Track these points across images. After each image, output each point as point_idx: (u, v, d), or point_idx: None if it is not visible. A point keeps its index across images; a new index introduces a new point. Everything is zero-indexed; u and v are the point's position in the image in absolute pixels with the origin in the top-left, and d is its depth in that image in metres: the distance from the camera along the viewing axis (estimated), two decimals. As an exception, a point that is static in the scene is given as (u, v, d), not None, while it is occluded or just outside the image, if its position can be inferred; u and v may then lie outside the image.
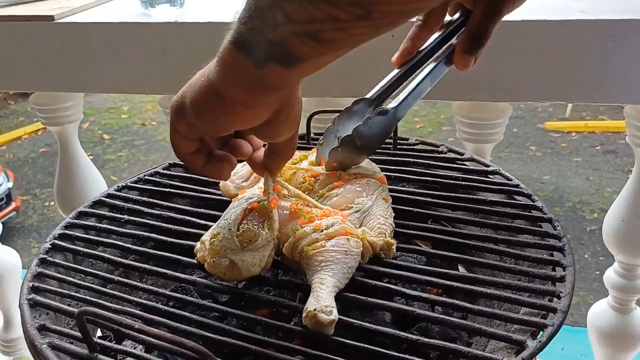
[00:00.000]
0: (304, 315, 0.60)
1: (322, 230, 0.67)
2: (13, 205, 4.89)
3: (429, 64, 0.75)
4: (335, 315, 0.60)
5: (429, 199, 0.82)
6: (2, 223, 1.59)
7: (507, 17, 1.00)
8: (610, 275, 1.28)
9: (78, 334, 0.60)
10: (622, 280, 1.25)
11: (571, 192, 5.05)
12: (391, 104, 0.75)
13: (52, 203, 5.53)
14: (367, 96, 0.77)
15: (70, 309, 0.64)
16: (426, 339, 0.59)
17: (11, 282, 1.61)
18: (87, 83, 1.20)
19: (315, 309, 0.59)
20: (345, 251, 0.66)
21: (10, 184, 5.01)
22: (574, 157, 5.79)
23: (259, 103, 0.55)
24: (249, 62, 0.51)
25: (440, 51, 0.75)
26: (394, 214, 0.76)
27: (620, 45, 0.96)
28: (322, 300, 0.60)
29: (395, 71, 0.77)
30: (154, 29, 1.12)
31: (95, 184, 1.41)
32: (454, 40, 0.75)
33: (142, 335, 0.56)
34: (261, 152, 0.68)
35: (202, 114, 0.56)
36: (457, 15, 0.76)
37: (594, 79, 1.00)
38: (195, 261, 0.71)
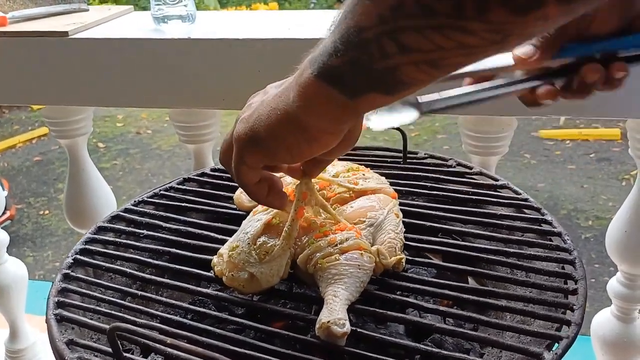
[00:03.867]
0: (317, 326, 0.62)
1: (336, 245, 0.69)
2: (7, 214, 4.88)
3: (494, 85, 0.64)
4: (347, 327, 0.62)
5: (439, 213, 0.84)
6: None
7: None
8: (614, 284, 1.30)
9: (105, 347, 0.62)
10: (625, 290, 1.27)
11: (566, 200, 5.08)
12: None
13: (47, 212, 5.52)
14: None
15: (96, 323, 0.66)
16: (441, 350, 0.61)
17: (18, 293, 1.61)
18: (100, 97, 1.21)
19: (328, 321, 0.61)
20: (359, 265, 0.68)
21: (4, 193, 5.00)
22: (568, 165, 5.83)
23: (343, 129, 0.56)
24: (340, 93, 0.51)
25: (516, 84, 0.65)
26: (404, 230, 0.78)
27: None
28: (335, 313, 0.62)
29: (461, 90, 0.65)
30: (166, 45, 1.14)
31: (104, 196, 1.42)
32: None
33: (170, 350, 0.58)
34: None
35: (283, 146, 0.57)
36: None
37: (598, 94, 1.03)
38: (211, 274, 0.73)
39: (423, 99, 0.60)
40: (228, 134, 0.63)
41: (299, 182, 0.72)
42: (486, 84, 0.63)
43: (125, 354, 0.60)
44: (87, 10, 1.31)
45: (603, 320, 1.33)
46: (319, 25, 1.15)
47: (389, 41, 0.47)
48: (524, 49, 0.63)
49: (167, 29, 1.19)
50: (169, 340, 0.54)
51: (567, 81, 0.64)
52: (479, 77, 0.65)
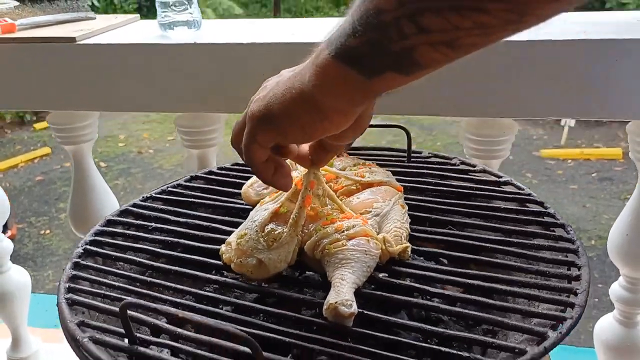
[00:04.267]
0: (324, 307, 0.63)
1: (343, 231, 0.71)
2: (9, 233, 4.88)
3: None
4: (354, 308, 0.63)
5: (444, 207, 0.85)
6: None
7: (514, 38, 1.05)
8: (616, 289, 1.30)
9: (116, 328, 0.63)
10: (627, 294, 1.27)
11: (568, 220, 4.98)
12: None
13: (48, 231, 5.53)
14: None
15: (107, 306, 0.67)
16: (451, 332, 0.62)
17: (20, 301, 1.62)
18: (107, 102, 1.23)
19: (336, 302, 0.62)
20: (365, 251, 0.69)
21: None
22: (570, 185, 5.84)
23: (357, 111, 0.58)
24: (358, 73, 0.53)
25: None
26: (410, 220, 0.79)
27: (623, 63, 1.01)
28: (342, 295, 0.63)
29: None
30: (172, 50, 1.17)
31: (109, 202, 1.44)
32: None
33: (179, 330, 0.59)
34: (305, 147, 0.71)
35: (297, 124, 0.59)
36: None
37: (598, 96, 1.05)
38: (220, 263, 0.74)
39: None
40: (241, 117, 0.64)
41: (307, 171, 0.74)
42: None
43: (136, 334, 0.61)
44: (94, 18, 1.34)
45: (606, 325, 1.33)
46: (322, 31, 1.17)
47: (408, 23, 0.48)
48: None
49: (174, 35, 1.21)
50: (180, 313, 0.55)
51: None
52: None
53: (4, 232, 4.38)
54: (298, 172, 0.80)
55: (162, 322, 0.61)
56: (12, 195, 6.05)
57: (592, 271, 4.03)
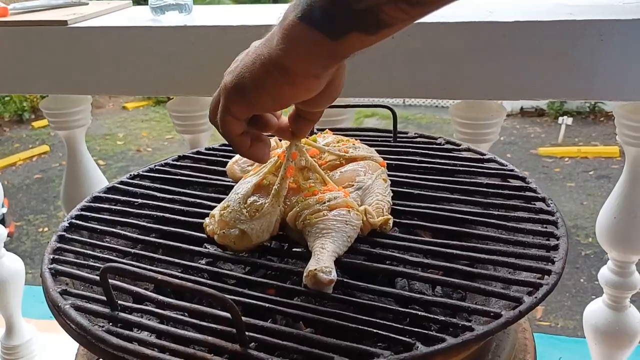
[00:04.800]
0: (304, 275, 0.64)
1: (324, 202, 0.72)
2: (7, 230, 4.89)
3: None
4: (334, 275, 0.63)
5: (427, 183, 0.86)
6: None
7: (500, 18, 1.07)
8: (605, 273, 1.31)
9: (99, 296, 0.64)
10: (616, 278, 1.28)
11: (565, 217, 5.03)
12: None
13: (46, 229, 5.54)
14: None
15: (90, 276, 0.68)
16: (430, 297, 0.63)
17: (14, 289, 1.62)
18: (99, 85, 1.24)
19: (315, 269, 0.63)
20: (346, 221, 0.70)
21: (4, 210, 5.02)
22: (567, 182, 5.86)
23: (326, 74, 0.58)
24: (323, 35, 0.53)
25: None
26: (392, 194, 0.80)
27: (608, 44, 1.02)
28: (321, 262, 0.64)
29: None
30: (163, 33, 1.17)
31: (101, 186, 1.44)
32: None
33: (161, 297, 0.60)
34: (284, 119, 0.71)
35: (266, 91, 0.59)
36: None
37: (584, 77, 1.06)
38: (204, 235, 0.75)
39: None
40: (217, 91, 0.65)
41: (289, 144, 0.75)
42: None
43: (118, 301, 0.62)
44: (86, 4, 1.35)
45: (595, 310, 1.34)
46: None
47: None
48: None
49: (165, 19, 1.22)
50: (159, 277, 0.56)
51: None
52: None
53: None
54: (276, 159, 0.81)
55: (143, 290, 0.62)
56: (10, 193, 6.06)
57: (590, 269, 4.04)
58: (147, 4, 1.25)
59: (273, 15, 1.21)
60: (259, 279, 0.68)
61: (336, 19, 0.53)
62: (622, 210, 1.21)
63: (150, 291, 0.67)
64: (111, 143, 7.40)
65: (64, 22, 1.19)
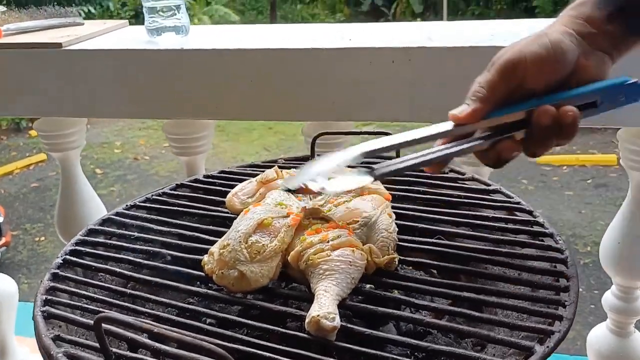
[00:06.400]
0: (306, 321, 0.61)
1: (328, 241, 0.69)
2: (3, 240, 4.85)
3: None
4: (337, 322, 0.61)
5: (432, 216, 0.84)
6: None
7: (478, 43, 1.04)
8: (609, 298, 1.29)
9: (93, 343, 0.61)
10: (620, 303, 1.26)
11: (564, 226, 5.08)
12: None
13: (43, 238, 5.50)
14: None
15: (84, 320, 0.65)
16: (437, 346, 0.61)
17: (7, 311, 1.59)
18: (93, 108, 1.22)
19: (318, 315, 0.61)
20: (350, 262, 0.68)
21: (0, 219, 4.99)
22: (565, 191, 5.84)
23: None
24: None
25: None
26: (397, 229, 0.78)
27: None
28: (324, 307, 0.62)
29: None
30: (159, 56, 1.15)
31: (96, 210, 1.42)
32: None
33: (157, 344, 0.57)
34: None
35: None
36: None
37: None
38: (202, 274, 0.72)
39: (377, 166, 0.60)
40: None
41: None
42: (437, 148, 0.63)
43: (112, 348, 0.60)
44: (82, 24, 1.33)
45: (599, 335, 1.31)
46: (310, 37, 1.17)
47: None
48: (459, 108, 0.63)
49: (161, 40, 1.20)
50: (156, 329, 0.53)
51: (527, 133, 0.64)
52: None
53: (-1, 238, 4.32)
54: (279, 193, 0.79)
55: (139, 337, 0.59)
56: (7, 202, 6.03)
57: (589, 278, 4.01)
58: (144, 24, 1.23)
59: (269, 37, 1.20)
60: (262, 325, 0.65)
61: None
62: (626, 234, 1.19)
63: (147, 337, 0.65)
64: (109, 151, 7.37)
65: (59, 45, 1.17)
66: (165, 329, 0.53)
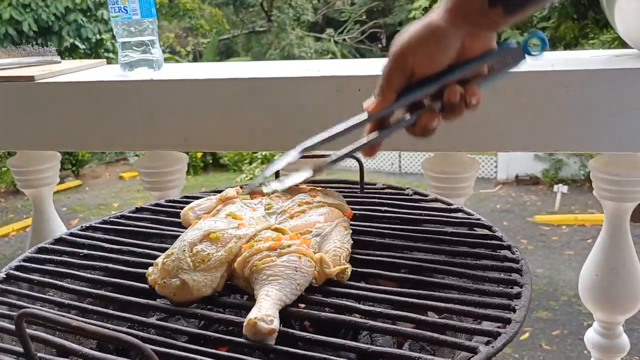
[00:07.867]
0: (244, 324, 0.59)
1: (276, 249, 0.67)
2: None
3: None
4: (275, 325, 0.59)
5: (392, 232, 0.82)
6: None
7: None
8: (591, 335, 1.25)
9: (17, 348, 0.59)
10: (603, 340, 1.22)
11: (565, 286, 4.99)
12: None
13: (38, 302, 5.43)
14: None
15: (11, 326, 0.63)
16: (380, 348, 0.58)
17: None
18: (66, 141, 1.22)
19: (255, 317, 0.58)
20: (295, 267, 0.66)
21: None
22: (565, 250, 5.77)
23: None
24: None
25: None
26: (352, 242, 0.76)
27: (574, 94, 1.00)
28: (263, 310, 0.60)
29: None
30: (129, 87, 1.16)
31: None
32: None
33: (86, 350, 0.55)
34: None
35: None
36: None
37: (553, 127, 1.03)
38: (147, 286, 0.70)
39: (317, 161, 0.71)
40: None
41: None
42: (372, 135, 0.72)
43: (37, 353, 0.57)
44: (59, 62, 1.34)
45: (584, 374, 1.27)
46: (279, 70, 1.18)
47: None
48: (368, 101, 0.71)
49: (134, 75, 1.21)
50: (74, 322, 0.51)
51: (441, 106, 0.71)
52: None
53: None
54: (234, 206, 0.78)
55: (68, 343, 0.56)
56: (2, 264, 5.98)
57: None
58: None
59: (239, 70, 1.21)
60: (198, 331, 0.63)
61: None
62: (603, 267, 1.17)
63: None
64: (106, 213, 7.35)
65: (31, 78, 1.18)
66: (83, 321, 0.51)
